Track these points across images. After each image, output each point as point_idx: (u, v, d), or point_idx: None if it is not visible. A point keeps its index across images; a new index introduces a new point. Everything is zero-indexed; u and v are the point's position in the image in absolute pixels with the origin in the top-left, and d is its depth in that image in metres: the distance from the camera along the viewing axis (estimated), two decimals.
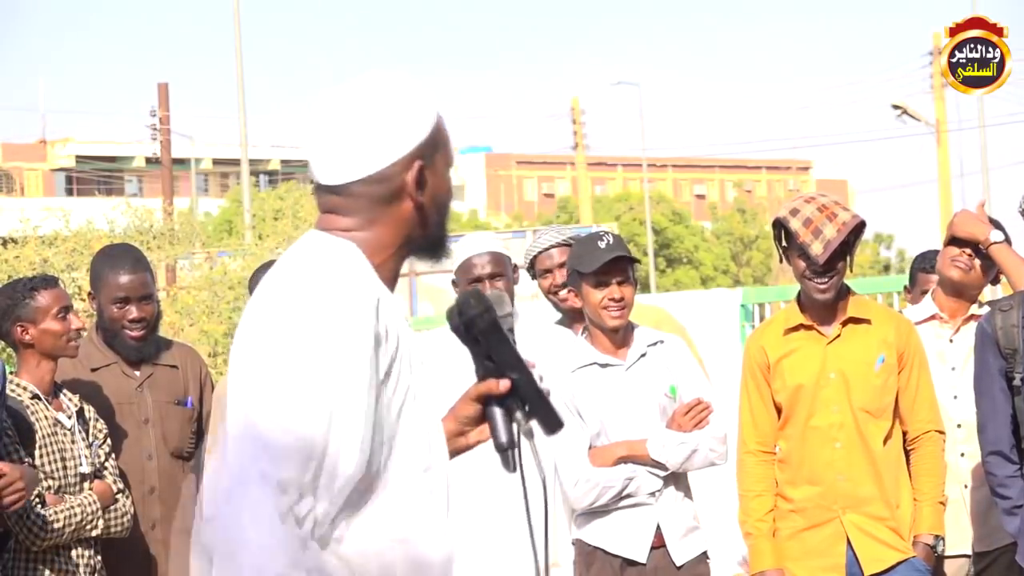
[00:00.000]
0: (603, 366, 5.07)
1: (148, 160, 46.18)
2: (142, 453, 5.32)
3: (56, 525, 4.85)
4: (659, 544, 5.00)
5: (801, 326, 4.92)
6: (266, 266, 5.37)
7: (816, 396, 4.87)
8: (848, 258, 4.82)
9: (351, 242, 2.71)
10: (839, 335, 4.89)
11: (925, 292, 5.94)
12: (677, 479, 5.05)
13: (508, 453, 2.77)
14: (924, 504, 4.86)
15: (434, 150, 2.75)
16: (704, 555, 5.09)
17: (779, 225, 4.85)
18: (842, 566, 4.83)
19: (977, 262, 5.42)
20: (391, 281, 2.76)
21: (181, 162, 47.52)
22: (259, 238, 19.80)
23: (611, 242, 5.02)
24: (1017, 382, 4.79)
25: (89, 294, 5.43)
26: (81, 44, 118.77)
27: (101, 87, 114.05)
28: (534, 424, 2.76)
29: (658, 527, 5.01)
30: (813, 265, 4.78)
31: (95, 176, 56.59)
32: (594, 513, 5.06)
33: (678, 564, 5.00)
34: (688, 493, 5.12)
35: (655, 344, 5.12)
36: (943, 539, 4.89)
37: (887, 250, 55.43)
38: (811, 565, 4.88)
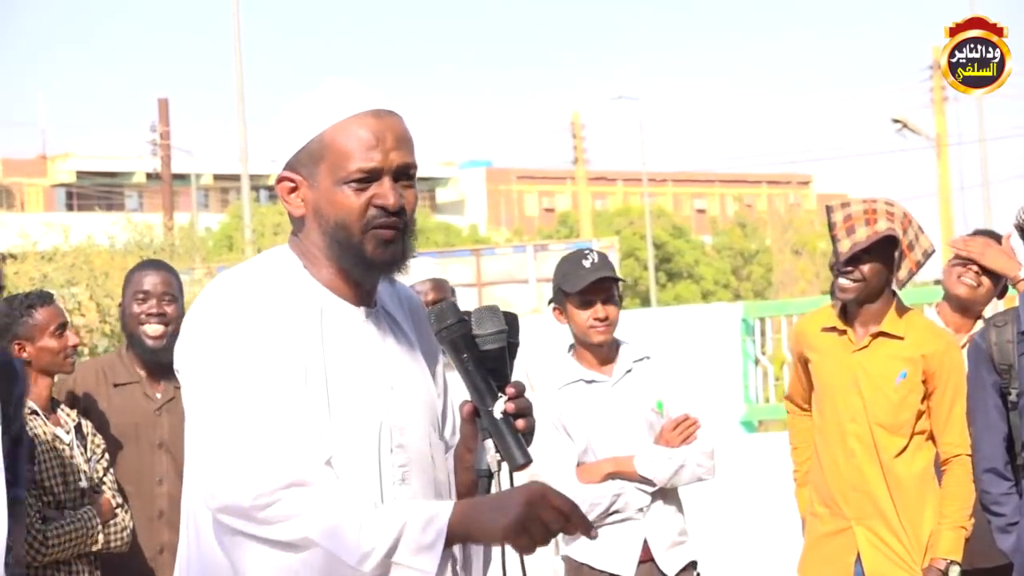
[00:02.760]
0: (589, 382, 5.07)
1: (148, 175, 46.32)
2: (153, 477, 5.30)
3: (57, 541, 4.85)
4: (647, 558, 5.01)
5: (835, 329, 4.94)
6: None
7: (837, 402, 4.89)
8: (895, 271, 4.79)
9: (291, 251, 2.75)
10: (866, 345, 4.88)
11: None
12: (666, 493, 5.05)
13: (483, 480, 2.67)
14: (944, 527, 4.83)
15: (311, 170, 2.70)
16: (692, 565, 5.09)
17: (827, 213, 4.90)
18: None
19: (984, 278, 5.42)
20: (344, 287, 2.72)
21: (181, 177, 47.55)
22: (259, 253, 19.79)
23: (596, 261, 5.00)
24: (1013, 398, 4.75)
25: (119, 305, 5.43)
26: (81, 59, 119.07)
27: (101, 102, 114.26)
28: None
29: (645, 541, 5.01)
30: (838, 261, 4.81)
31: (95, 191, 56.60)
32: None
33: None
34: (678, 506, 5.12)
35: (641, 360, 5.13)
36: (959, 565, 4.84)
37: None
38: (822, 572, 4.90)
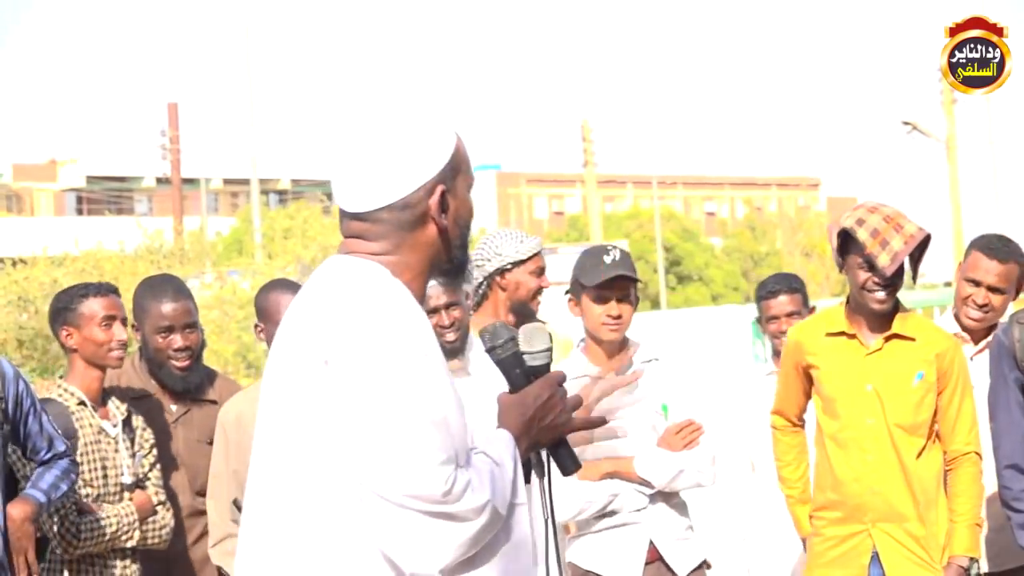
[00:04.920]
0: (596, 378, 5.03)
1: (158, 180, 46.43)
2: (167, 491, 5.32)
3: (90, 534, 4.85)
4: (653, 558, 4.98)
5: (843, 333, 4.91)
6: (273, 284, 5.37)
7: (851, 407, 4.85)
8: (913, 271, 4.80)
9: (381, 266, 2.78)
10: (880, 348, 4.86)
11: (770, 319, 5.95)
12: (666, 494, 5.02)
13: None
14: (960, 525, 4.81)
15: (455, 173, 2.83)
16: (703, 564, 5.06)
17: (844, 235, 4.81)
18: None
19: (997, 297, 5.38)
20: (420, 302, 2.82)
21: (191, 181, 47.60)
22: (269, 257, 19.82)
23: (617, 258, 4.99)
24: None
25: (133, 326, 5.43)
26: (91, 64, 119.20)
27: (111, 107, 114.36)
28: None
29: (651, 543, 4.98)
30: (878, 276, 4.75)
31: (105, 196, 56.66)
32: (585, 535, 5.05)
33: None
34: (680, 505, 5.09)
35: (650, 361, 5.10)
36: (977, 562, 4.84)
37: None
38: (834, 575, 4.85)
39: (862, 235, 4.75)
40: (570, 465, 2.93)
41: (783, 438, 5.13)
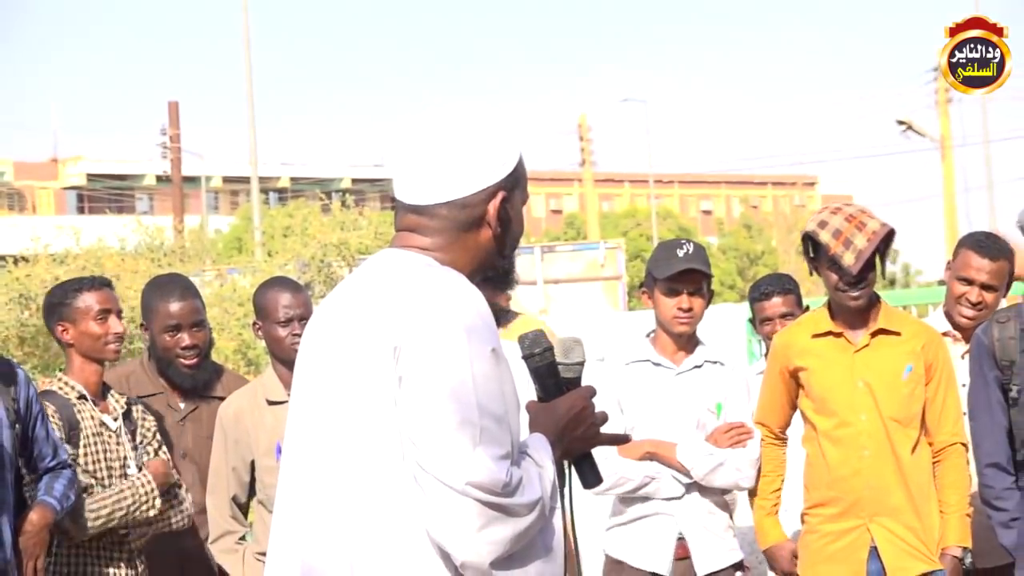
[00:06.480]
0: (656, 364, 5.06)
1: (159, 178, 46.41)
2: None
3: (102, 512, 4.78)
4: (683, 556, 4.97)
5: (830, 333, 4.90)
6: (271, 281, 5.37)
7: (844, 404, 4.83)
8: (882, 266, 4.79)
9: (432, 259, 2.79)
10: (867, 344, 4.86)
11: (764, 321, 5.92)
12: (704, 490, 5.00)
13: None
14: (951, 516, 4.82)
15: (515, 185, 2.86)
16: (735, 567, 5.03)
17: (808, 239, 4.82)
18: (863, 573, 4.79)
19: (989, 294, 5.37)
20: None
21: (191, 180, 47.59)
22: (268, 255, 19.76)
23: (690, 252, 5.00)
24: (1013, 394, 4.76)
25: (141, 325, 5.43)
26: (92, 63, 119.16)
27: (112, 106, 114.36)
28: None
29: (681, 538, 4.97)
30: (846, 276, 4.75)
31: (106, 194, 56.64)
32: (618, 527, 5.05)
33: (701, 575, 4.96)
34: (721, 504, 5.06)
35: (714, 362, 5.10)
36: (971, 551, 4.84)
37: (892, 264, 55.32)
38: (832, 570, 4.84)
39: (824, 237, 4.75)
40: (592, 479, 2.95)
41: (763, 451, 5.09)
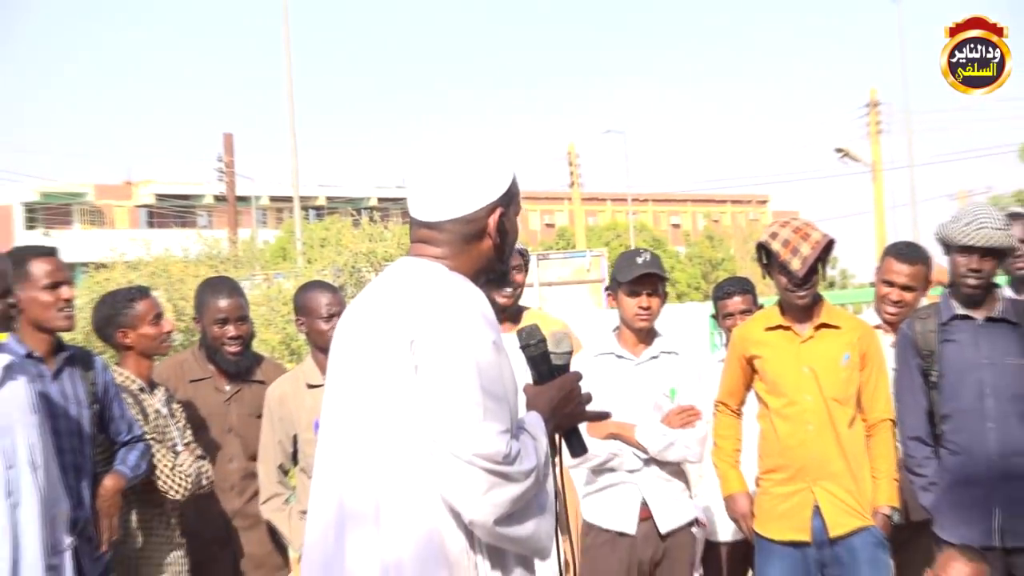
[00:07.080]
0: (618, 357, 5.06)
1: (216, 198, 46.39)
2: (225, 457, 5.32)
3: (190, 476, 4.83)
4: (646, 516, 4.97)
5: (780, 326, 4.90)
6: (310, 284, 5.40)
7: (792, 386, 4.83)
8: (821, 270, 4.79)
9: (443, 266, 2.82)
10: (812, 336, 4.86)
11: (726, 316, 5.90)
12: (660, 462, 5.00)
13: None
14: (881, 480, 4.81)
15: (510, 201, 2.88)
16: (690, 524, 5.03)
17: (761, 247, 4.83)
18: (807, 528, 4.78)
19: (908, 294, 5.37)
20: None
21: (243, 199, 47.54)
22: (308, 262, 19.77)
23: (647, 259, 5.02)
24: (933, 378, 4.77)
25: (194, 318, 5.44)
26: (161, 101, 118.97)
27: (177, 137, 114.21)
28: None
29: (644, 502, 4.98)
30: (793, 279, 4.76)
31: (172, 211, 56.62)
32: (592, 495, 5.05)
33: (663, 532, 4.97)
34: (676, 472, 5.05)
35: (669, 352, 5.10)
36: (899, 511, 4.84)
37: (832, 270, 55.22)
38: (782, 526, 4.84)
39: (775, 246, 4.76)
40: (579, 449, 2.99)
41: (724, 419, 5.10)
